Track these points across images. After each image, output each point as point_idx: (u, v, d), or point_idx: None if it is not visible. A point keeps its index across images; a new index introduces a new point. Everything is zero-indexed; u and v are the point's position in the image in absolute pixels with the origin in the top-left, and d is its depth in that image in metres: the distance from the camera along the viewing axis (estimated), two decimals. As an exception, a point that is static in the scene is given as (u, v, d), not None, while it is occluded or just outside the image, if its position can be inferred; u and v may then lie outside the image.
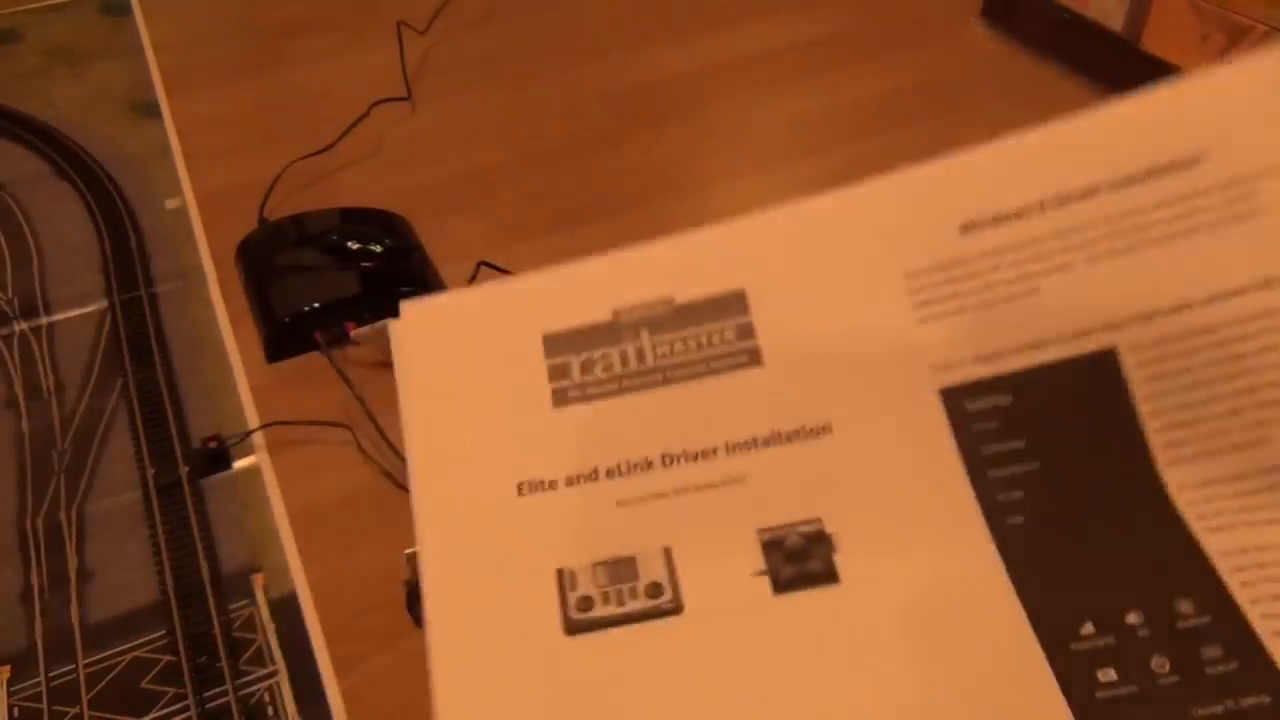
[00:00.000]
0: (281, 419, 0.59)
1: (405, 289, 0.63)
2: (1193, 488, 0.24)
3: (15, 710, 0.50)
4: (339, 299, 0.61)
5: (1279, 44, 0.26)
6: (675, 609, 0.25)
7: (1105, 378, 0.25)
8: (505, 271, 0.63)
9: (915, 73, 0.82)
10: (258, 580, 0.54)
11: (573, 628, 0.25)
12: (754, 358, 0.28)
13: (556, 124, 0.79)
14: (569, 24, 0.92)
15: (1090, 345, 0.26)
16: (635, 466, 0.27)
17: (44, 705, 0.50)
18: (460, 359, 0.30)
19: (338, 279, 0.63)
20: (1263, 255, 0.25)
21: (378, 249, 0.65)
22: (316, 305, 0.61)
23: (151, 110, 0.88)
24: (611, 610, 0.25)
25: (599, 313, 0.30)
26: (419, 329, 0.31)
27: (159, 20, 0.98)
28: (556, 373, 0.29)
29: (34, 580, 0.56)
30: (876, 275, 0.28)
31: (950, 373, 0.26)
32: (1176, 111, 0.27)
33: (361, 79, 0.84)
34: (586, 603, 0.25)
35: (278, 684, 0.49)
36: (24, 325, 0.72)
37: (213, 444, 0.61)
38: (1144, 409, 0.25)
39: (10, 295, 0.75)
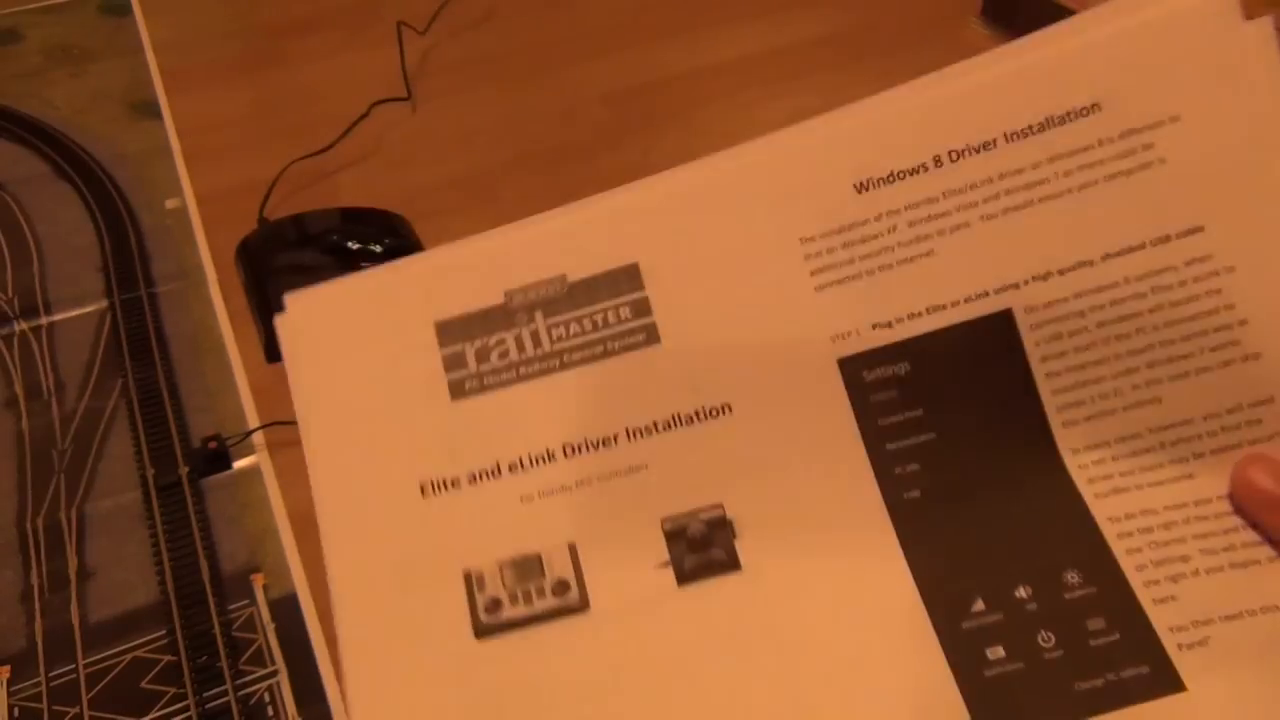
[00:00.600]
0: (281, 419, 0.59)
1: (405, 289, 0.63)
2: (1085, 451, 0.24)
3: (15, 710, 0.50)
4: (339, 299, 0.61)
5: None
6: (582, 606, 0.25)
7: (1001, 340, 0.25)
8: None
9: (915, 72, 0.82)
10: (258, 580, 0.54)
11: (482, 631, 0.26)
12: (651, 335, 0.27)
13: (556, 124, 0.79)
14: (569, 24, 0.92)
15: (986, 307, 0.25)
16: (537, 459, 0.26)
17: (44, 705, 0.50)
18: (352, 352, 0.29)
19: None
20: (1157, 211, 0.25)
21: (378, 249, 0.65)
22: (316, 305, 0.61)
23: (151, 110, 0.88)
24: (520, 611, 0.25)
25: (490, 295, 0.28)
26: (306, 322, 0.29)
27: (159, 20, 0.98)
28: (452, 363, 0.28)
29: (34, 580, 0.56)
30: (770, 242, 0.27)
31: (848, 341, 0.26)
32: (1072, 59, 0.26)
33: (361, 79, 0.84)
34: (495, 605, 0.26)
35: (278, 684, 0.49)
36: (24, 325, 0.72)
37: (213, 444, 0.61)
38: (1039, 371, 0.24)
39: (10, 295, 0.75)
